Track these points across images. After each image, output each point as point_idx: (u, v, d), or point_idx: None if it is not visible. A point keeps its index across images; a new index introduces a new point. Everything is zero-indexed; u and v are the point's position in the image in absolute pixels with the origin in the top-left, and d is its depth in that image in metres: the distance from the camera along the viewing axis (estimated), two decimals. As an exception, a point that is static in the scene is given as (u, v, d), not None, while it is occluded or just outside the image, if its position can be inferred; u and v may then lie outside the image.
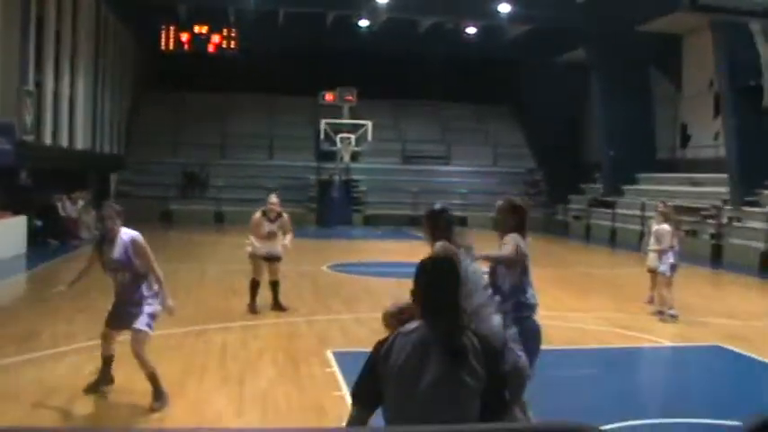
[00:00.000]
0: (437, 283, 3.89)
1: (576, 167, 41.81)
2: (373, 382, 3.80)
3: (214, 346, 11.68)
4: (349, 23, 39.82)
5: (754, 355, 12.13)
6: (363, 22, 39.64)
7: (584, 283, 19.95)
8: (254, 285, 14.68)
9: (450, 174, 43.05)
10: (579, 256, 29.08)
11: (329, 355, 11.16)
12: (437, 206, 7.29)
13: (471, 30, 40.18)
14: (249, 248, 14.72)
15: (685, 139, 36.87)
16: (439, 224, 7.05)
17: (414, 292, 3.97)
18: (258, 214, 14.76)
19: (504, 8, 34.64)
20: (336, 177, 39.81)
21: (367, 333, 12.70)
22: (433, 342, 3.72)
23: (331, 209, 37.88)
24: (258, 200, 36.14)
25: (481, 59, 41.67)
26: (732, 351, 12.45)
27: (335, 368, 10.42)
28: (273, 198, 14.87)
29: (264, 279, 14.77)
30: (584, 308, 15.99)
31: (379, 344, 3.87)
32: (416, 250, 21.06)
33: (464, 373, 3.69)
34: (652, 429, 8.26)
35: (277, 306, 14.73)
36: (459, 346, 3.71)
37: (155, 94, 42.97)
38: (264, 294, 14.69)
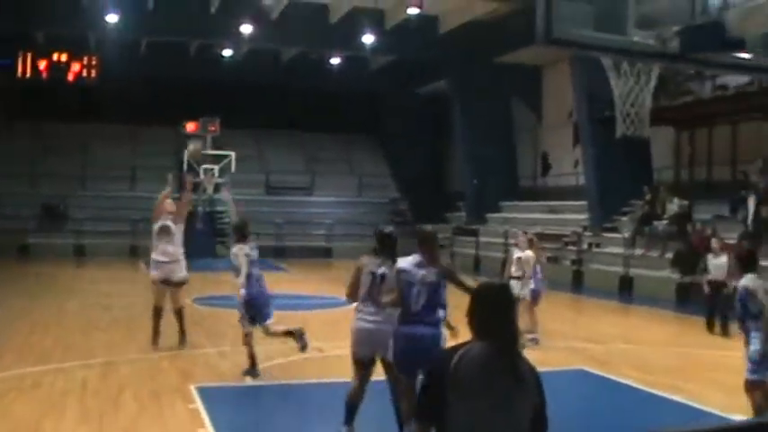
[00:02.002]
0: (496, 308, 4.10)
1: (441, 196, 42.32)
2: (440, 397, 3.90)
3: (74, 383, 11.25)
4: (212, 53, 39.48)
5: (616, 378, 12.42)
6: (227, 52, 39.34)
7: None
8: (157, 314, 14.18)
9: (315, 204, 42.75)
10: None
11: (193, 390, 10.87)
12: (386, 229, 8.92)
13: (335, 60, 40.40)
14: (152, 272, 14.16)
15: (546, 168, 37.86)
16: (385, 244, 8.57)
17: (470, 317, 4.15)
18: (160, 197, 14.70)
19: (368, 39, 34.91)
20: (200, 209, 39.10)
21: (231, 366, 12.57)
22: (496, 365, 3.93)
23: (195, 241, 36.90)
24: (120, 232, 36.28)
25: (345, 90, 41.72)
26: (595, 374, 12.71)
27: (199, 404, 10.17)
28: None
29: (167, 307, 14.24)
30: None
31: (445, 360, 3.97)
32: (280, 281, 21.80)
33: (523, 397, 3.96)
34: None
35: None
36: (522, 372, 3.98)
37: (12, 124, 41.20)
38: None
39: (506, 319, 4.09)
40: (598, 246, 28.83)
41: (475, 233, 35.92)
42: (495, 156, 36.67)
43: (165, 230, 14.36)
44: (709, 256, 17.66)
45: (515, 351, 4.04)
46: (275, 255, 37.66)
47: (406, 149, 42.79)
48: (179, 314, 14.44)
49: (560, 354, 14.45)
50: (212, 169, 38.65)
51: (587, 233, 29.62)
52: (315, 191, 43.71)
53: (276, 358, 13.23)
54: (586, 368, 13.21)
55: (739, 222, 22.96)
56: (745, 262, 9.37)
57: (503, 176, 37.00)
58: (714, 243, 17.81)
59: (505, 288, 4.38)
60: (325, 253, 38.91)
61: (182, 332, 14.35)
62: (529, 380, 4.00)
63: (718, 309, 17.35)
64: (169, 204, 14.68)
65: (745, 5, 6.93)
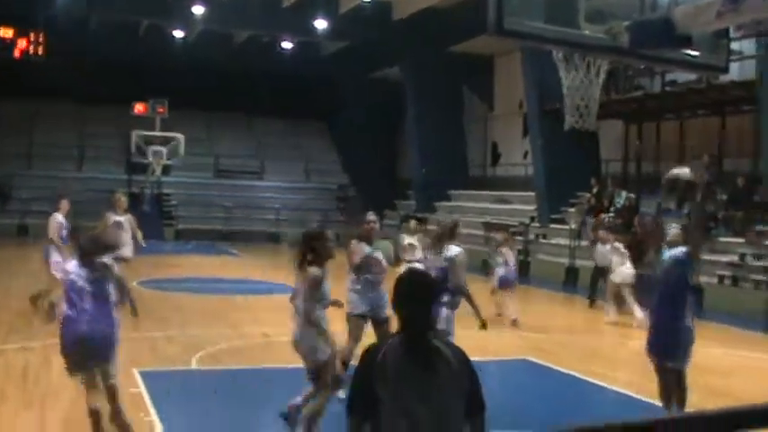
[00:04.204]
0: (409, 297, 4.05)
1: (392, 184, 42.38)
2: (369, 391, 3.87)
3: (14, 369, 11.10)
4: (163, 33, 39.11)
5: (559, 368, 12.55)
6: (178, 33, 38.99)
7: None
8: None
9: (264, 189, 42.77)
10: (391, 273, 29.26)
11: (136, 374, 10.78)
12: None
13: (287, 44, 40.17)
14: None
15: (496, 158, 38.02)
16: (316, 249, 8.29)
17: (393, 307, 4.13)
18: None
19: (321, 24, 34.79)
20: (147, 191, 38.96)
21: (177, 351, 12.51)
22: (415, 356, 3.91)
23: (142, 223, 36.46)
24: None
25: (297, 75, 41.42)
26: (539, 364, 12.83)
27: (142, 388, 10.11)
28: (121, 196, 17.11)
29: None
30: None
31: (372, 354, 3.97)
32: (228, 265, 23.97)
33: (450, 385, 3.90)
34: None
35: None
36: (436, 361, 3.90)
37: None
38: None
39: (418, 308, 4.02)
40: (545, 237, 29.05)
41: (424, 222, 35.82)
42: (446, 144, 36.80)
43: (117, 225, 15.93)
44: (598, 245, 19.30)
45: (428, 340, 3.97)
46: (223, 239, 37.59)
47: (358, 136, 42.66)
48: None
49: (505, 342, 14.58)
50: (160, 151, 38.29)
51: (535, 224, 29.81)
52: (265, 175, 43.59)
53: (220, 343, 13.21)
54: (531, 358, 13.33)
55: (685, 215, 23.19)
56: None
57: (453, 165, 37.08)
58: (601, 233, 19.54)
59: (418, 275, 4.40)
60: (274, 238, 38.80)
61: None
62: (457, 367, 3.92)
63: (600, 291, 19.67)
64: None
65: (692, 3, 7.01)
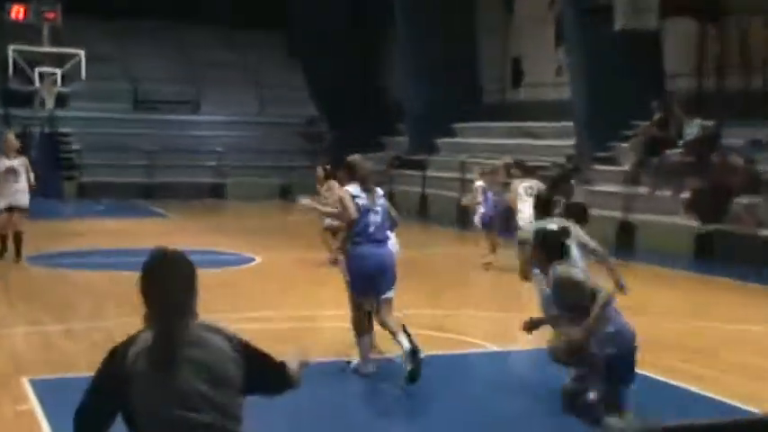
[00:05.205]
0: (151, 284, 4.55)
1: (375, 115, 41.63)
2: (117, 398, 4.36)
3: None
4: None
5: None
6: None
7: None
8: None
9: (201, 125, 42.86)
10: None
11: (25, 384, 10.64)
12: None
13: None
14: None
15: (519, 77, 37.67)
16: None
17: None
18: None
19: None
20: (36, 130, 38.42)
21: (82, 350, 12.33)
22: (162, 356, 4.37)
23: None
24: None
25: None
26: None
27: (34, 403, 9.96)
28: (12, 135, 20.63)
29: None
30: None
31: (119, 355, 4.42)
32: (154, 231, 24.23)
33: (200, 372, 4.39)
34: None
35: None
36: (174, 354, 4.37)
37: None
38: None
39: (161, 300, 4.47)
40: (588, 182, 28.73)
41: (421, 165, 35.85)
42: (450, 59, 36.32)
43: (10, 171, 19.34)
44: None
45: (171, 336, 4.39)
46: (146, 195, 37.79)
47: (326, 51, 42.18)
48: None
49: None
50: (53, 75, 37.77)
51: (573, 165, 29.51)
52: (202, 107, 43.39)
53: None
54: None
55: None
56: None
57: (460, 88, 36.70)
58: None
59: (168, 256, 4.69)
60: (215, 191, 38.99)
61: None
62: (224, 356, 4.49)
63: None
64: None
65: None
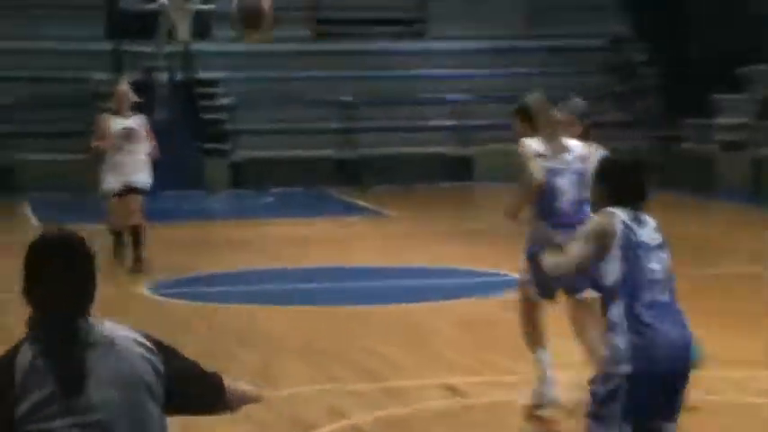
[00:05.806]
0: (55, 274, 4.12)
1: (731, 31, 32.17)
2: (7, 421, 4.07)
3: None
4: None
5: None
6: None
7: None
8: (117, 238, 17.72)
9: (430, 59, 35.64)
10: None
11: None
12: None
13: None
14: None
15: None
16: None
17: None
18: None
19: None
20: (163, 76, 32.93)
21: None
22: (57, 366, 4.07)
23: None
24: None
25: None
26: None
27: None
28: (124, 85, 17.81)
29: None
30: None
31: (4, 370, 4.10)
32: (359, 237, 23.31)
33: (110, 381, 4.05)
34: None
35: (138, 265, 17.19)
36: (80, 362, 4.05)
37: None
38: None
39: (59, 295, 3.96)
40: None
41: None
42: None
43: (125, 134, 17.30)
44: None
45: (74, 340, 3.97)
46: (342, 178, 32.29)
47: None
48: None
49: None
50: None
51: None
52: (430, 30, 36.98)
53: (371, 408, 12.31)
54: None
55: None
56: None
57: None
58: None
59: (62, 237, 4.14)
60: (456, 168, 33.12)
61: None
62: (137, 360, 4.05)
63: None
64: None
65: None
